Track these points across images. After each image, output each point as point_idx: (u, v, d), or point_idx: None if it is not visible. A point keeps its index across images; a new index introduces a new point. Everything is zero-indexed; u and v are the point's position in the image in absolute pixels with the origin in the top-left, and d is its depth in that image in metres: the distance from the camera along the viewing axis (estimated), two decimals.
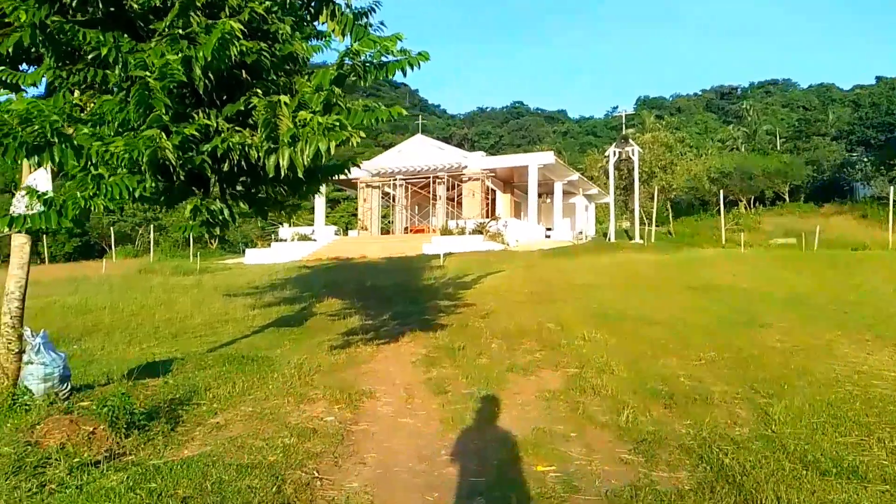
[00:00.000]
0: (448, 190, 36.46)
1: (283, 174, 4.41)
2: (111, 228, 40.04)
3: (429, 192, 37.03)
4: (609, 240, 33.13)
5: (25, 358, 5.74)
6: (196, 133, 4.43)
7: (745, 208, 54.12)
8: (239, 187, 5.41)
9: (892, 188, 29.29)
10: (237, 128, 4.62)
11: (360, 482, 4.42)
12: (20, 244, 5.80)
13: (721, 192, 38.96)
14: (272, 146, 4.40)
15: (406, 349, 9.02)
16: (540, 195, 37.20)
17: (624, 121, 38.01)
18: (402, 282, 18.80)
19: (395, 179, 37.20)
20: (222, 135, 4.48)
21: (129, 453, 4.74)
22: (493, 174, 36.41)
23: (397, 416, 5.81)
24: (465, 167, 35.53)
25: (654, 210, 33.41)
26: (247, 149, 4.34)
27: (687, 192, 47.31)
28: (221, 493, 4.01)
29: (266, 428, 5.41)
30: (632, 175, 35.21)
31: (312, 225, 39.02)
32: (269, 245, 35.27)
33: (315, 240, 34.93)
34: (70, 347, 10.80)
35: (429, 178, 36.16)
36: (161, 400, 6.14)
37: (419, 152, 36.60)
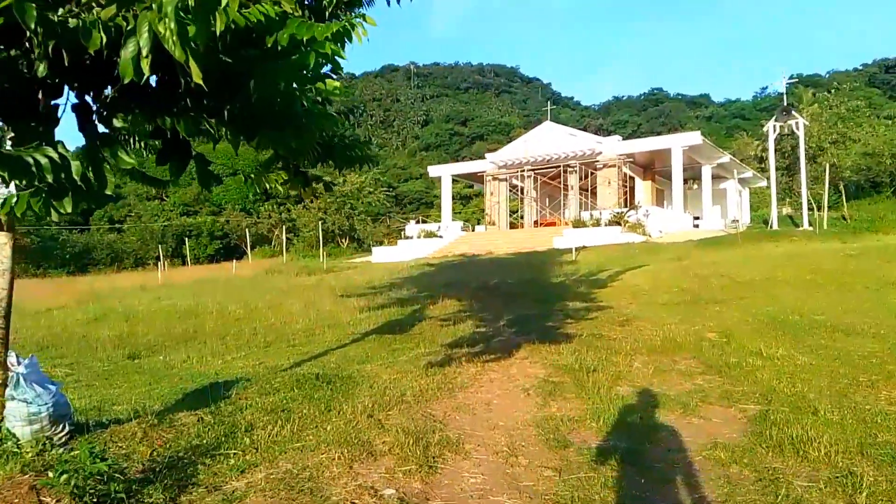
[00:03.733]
0: (581, 179, 33.80)
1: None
2: (247, 231, 41.10)
3: (559, 183, 34.57)
4: (770, 227, 29.00)
5: (7, 393, 4.40)
6: None
7: None
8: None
9: None
10: None
11: None
12: None
13: None
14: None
15: (519, 369, 7.03)
16: (685, 181, 33.56)
17: (784, 88, 33.13)
18: (527, 279, 16.79)
19: (523, 170, 35.06)
20: None
21: None
22: (630, 160, 33.31)
23: (489, 492, 3.85)
24: (600, 153, 32.72)
25: (826, 192, 28.72)
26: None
27: (858, 173, 41.23)
28: None
29: None
30: (795, 152, 30.60)
31: (440, 222, 37.84)
32: (396, 243, 34.42)
33: (441, 236, 33.63)
34: (155, 359, 9.90)
35: (559, 167, 33.70)
36: (182, 447, 4.61)
37: (548, 140, 34.21)
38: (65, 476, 3.50)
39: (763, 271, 13.94)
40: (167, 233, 49.98)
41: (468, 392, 6.16)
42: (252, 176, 3.55)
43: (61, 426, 4.53)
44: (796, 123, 28.63)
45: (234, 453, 4.56)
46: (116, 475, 3.66)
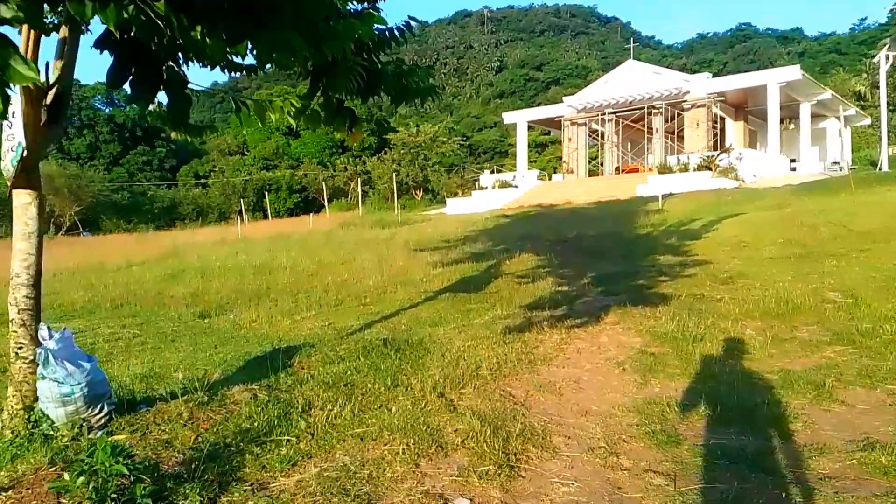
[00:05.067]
0: (666, 121, 31.72)
1: None
2: (324, 184, 41.15)
3: (643, 126, 32.59)
4: (880, 169, 26.38)
5: (38, 371, 3.96)
6: None
7: None
8: None
9: None
10: None
11: None
12: (23, 204, 3.96)
13: None
14: None
15: (610, 338, 6.19)
16: (781, 121, 30.94)
17: (886, 18, 29.69)
18: (610, 231, 15.70)
19: (604, 114, 33.21)
20: None
21: None
22: (721, 99, 30.91)
23: (585, 503, 3.11)
24: (688, 93, 30.50)
25: None
26: None
27: None
28: None
29: None
30: None
31: (514, 171, 36.64)
32: (470, 194, 33.55)
33: (516, 186, 32.50)
34: (224, 318, 9.60)
35: (643, 108, 31.68)
36: (230, 432, 4.08)
37: (631, 81, 32.14)
38: (82, 478, 2.99)
39: (882, 220, 12.35)
40: (248, 187, 50.83)
41: (552, 366, 5.40)
42: (248, 103, 2.77)
43: (98, 407, 4.08)
44: None
45: (288, 440, 4.00)
46: (142, 476, 3.12)
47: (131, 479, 3.10)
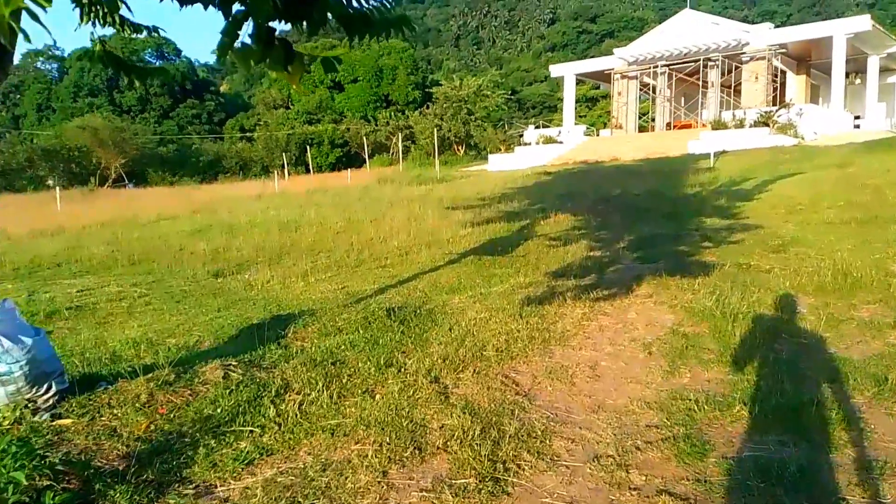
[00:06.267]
0: (723, 75, 29.87)
1: None
2: (364, 139, 40.57)
3: (698, 79, 30.79)
4: None
5: None
6: None
7: None
8: None
9: None
10: None
11: None
12: None
13: None
14: None
15: (640, 313, 5.50)
16: (846, 75, 28.81)
17: None
18: (656, 190, 14.77)
19: (657, 66, 31.48)
20: None
21: None
22: (783, 51, 28.90)
23: None
24: (747, 44, 28.55)
25: None
26: None
27: None
28: None
29: None
30: None
31: (561, 126, 35.33)
32: (513, 150, 32.51)
33: (561, 142, 31.31)
34: (239, 277, 9.22)
35: (698, 61, 29.85)
36: (189, 419, 3.62)
37: (687, 31, 30.26)
38: None
39: None
40: (291, 141, 50.61)
41: (568, 346, 4.76)
42: None
43: (45, 386, 3.65)
44: None
45: (251, 430, 3.51)
46: (52, 483, 2.66)
47: (44, 483, 2.65)
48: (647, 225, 10.52)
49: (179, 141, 58.74)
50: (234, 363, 4.47)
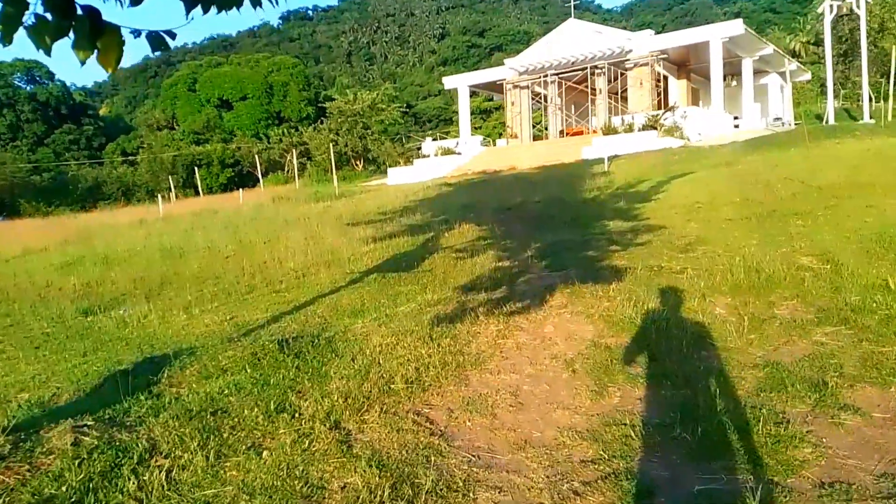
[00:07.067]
0: (609, 82, 30.79)
1: None
2: (257, 157, 39.03)
3: (586, 87, 31.60)
4: (825, 123, 26.04)
5: None
6: None
7: None
8: None
9: None
10: None
11: None
12: None
13: None
14: None
15: (557, 326, 5.10)
16: (723, 78, 30.40)
17: None
18: (556, 197, 14.70)
19: (546, 76, 32.07)
20: None
21: None
22: (664, 56, 30.13)
23: None
24: (630, 51, 29.58)
25: (892, 79, 25.35)
26: None
27: None
28: None
29: None
30: (854, 36, 27.13)
31: (458, 138, 35.33)
32: (412, 163, 32.15)
33: (460, 153, 31.24)
34: (112, 314, 8.20)
35: (585, 69, 30.64)
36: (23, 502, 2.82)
37: (573, 40, 31.02)
38: None
39: (840, 173, 11.64)
40: (178, 163, 48.03)
41: (485, 370, 4.27)
42: None
43: None
44: (857, 0, 25.09)
45: None
46: None
47: None
48: (552, 232, 10.29)
49: (56, 169, 54.56)
50: (90, 422, 3.67)
